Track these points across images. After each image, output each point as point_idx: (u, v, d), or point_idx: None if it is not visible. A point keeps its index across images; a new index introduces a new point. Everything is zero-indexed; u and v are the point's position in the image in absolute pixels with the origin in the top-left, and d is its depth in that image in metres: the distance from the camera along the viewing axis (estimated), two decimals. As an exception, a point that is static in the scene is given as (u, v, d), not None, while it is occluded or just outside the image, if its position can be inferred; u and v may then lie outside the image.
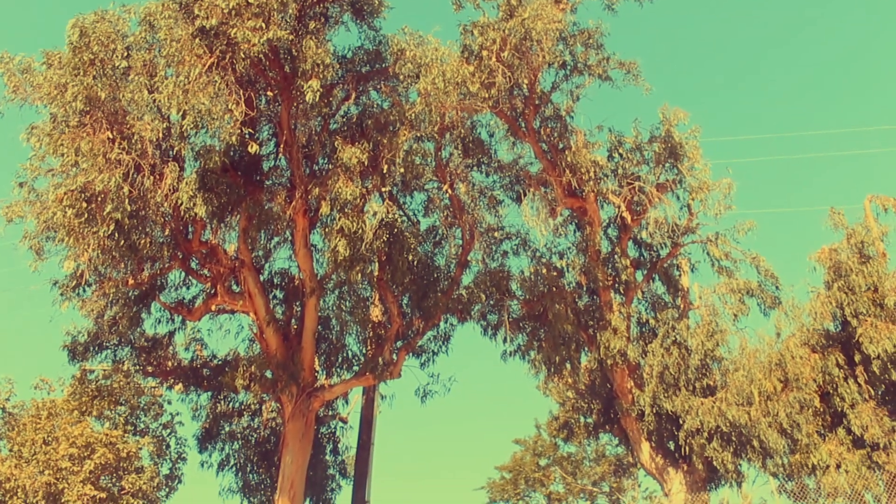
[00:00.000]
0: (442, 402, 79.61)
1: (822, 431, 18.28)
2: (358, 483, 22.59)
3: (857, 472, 17.15)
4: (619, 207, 18.96)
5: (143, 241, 16.06)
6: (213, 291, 20.52)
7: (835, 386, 18.43)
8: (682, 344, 17.89)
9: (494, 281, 19.64)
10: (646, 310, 20.43)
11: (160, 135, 15.66)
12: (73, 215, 14.64)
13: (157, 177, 15.75)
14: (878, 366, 17.88)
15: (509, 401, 65.62)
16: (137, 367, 21.92)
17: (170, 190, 15.59)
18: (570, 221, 21.00)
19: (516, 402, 67.37)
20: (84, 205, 14.68)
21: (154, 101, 15.29)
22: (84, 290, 19.05)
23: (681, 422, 17.05)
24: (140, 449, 21.10)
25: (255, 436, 23.85)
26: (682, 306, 20.25)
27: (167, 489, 22.30)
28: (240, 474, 23.43)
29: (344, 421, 25.55)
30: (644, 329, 19.64)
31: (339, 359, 23.14)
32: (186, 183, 15.61)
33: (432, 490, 66.76)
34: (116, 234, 15.14)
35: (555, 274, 20.10)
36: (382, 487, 62.50)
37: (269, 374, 19.77)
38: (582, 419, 22.06)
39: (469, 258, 20.27)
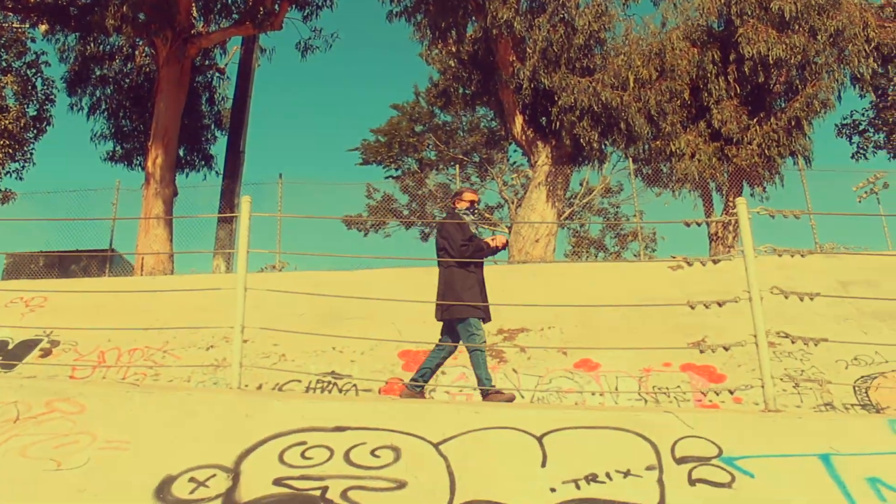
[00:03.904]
0: (322, 59, 77.98)
1: (686, 122, 19.18)
2: (233, 134, 22.59)
3: (707, 161, 18.34)
4: None
5: None
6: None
7: (706, 81, 19.07)
8: (570, 22, 17.80)
9: (384, -67, 18.61)
10: (538, -17, 19.96)
11: None
12: None
13: None
14: (749, 67, 18.51)
15: (390, 66, 65.07)
16: (-6, 1, 20.28)
17: None
18: None
19: (397, 67, 66.96)
20: None
21: None
22: None
23: (556, 98, 17.44)
24: (3, 88, 20.18)
25: (128, 81, 23.14)
26: (575, -16, 19.90)
27: (35, 130, 21.77)
28: (112, 120, 22.98)
29: (221, 72, 24.99)
30: (533, 3, 19.23)
31: (218, 5, 22.02)
32: None
33: (306, 147, 67.71)
34: None
35: (447, -66, 19.10)
36: (257, 140, 62.73)
37: (142, 16, 18.68)
38: (461, 89, 22.22)
39: None
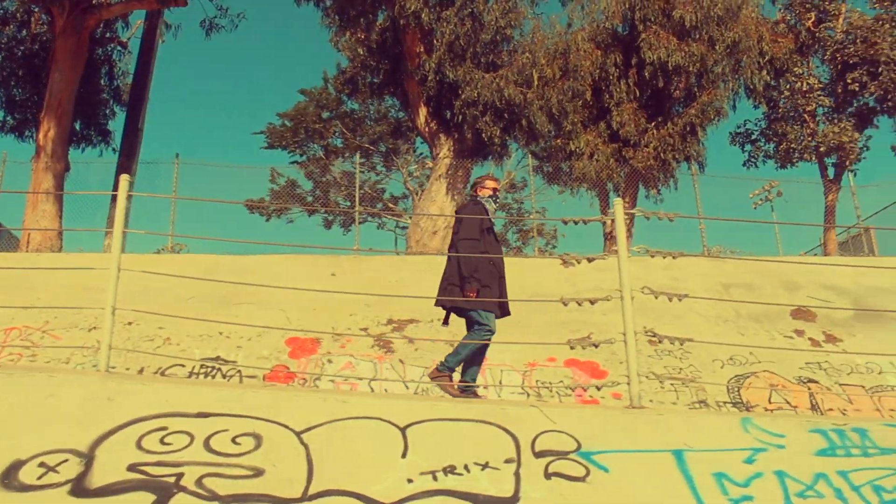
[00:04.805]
0: (231, 40, 76.39)
1: (587, 123, 19.57)
2: (132, 110, 21.97)
3: (605, 162, 18.78)
4: None
5: None
6: None
7: (608, 83, 19.48)
8: (478, 17, 17.87)
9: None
10: (447, -25, 19.96)
11: None
12: None
13: None
14: (649, 71, 18.98)
15: (301, 50, 64.11)
16: None
17: None
18: None
19: (308, 52, 66.06)
20: None
21: None
22: None
23: (460, 92, 17.51)
24: None
25: (23, 49, 22.24)
26: (484, -20, 19.98)
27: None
28: (2, 88, 22.08)
29: (123, 46, 24.27)
30: (443, -5, 19.31)
31: (120, -25, 21.35)
32: None
33: (210, 128, 66.23)
34: None
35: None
36: (158, 118, 61.04)
37: (39, -19, 18.00)
38: (369, 77, 22.07)
39: None
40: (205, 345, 10.88)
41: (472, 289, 6.54)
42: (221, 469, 3.98)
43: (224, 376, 10.19)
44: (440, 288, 6.87)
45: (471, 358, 6.77)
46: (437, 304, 6.88)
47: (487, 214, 6.97)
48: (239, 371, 10.22)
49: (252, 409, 4.50)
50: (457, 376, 6.71)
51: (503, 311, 6.87)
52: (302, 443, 4.23)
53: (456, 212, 7.36)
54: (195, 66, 64.96)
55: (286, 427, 4.35)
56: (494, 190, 7.21)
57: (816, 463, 4.57)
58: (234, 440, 4.22)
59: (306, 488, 3.89)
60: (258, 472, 3.98)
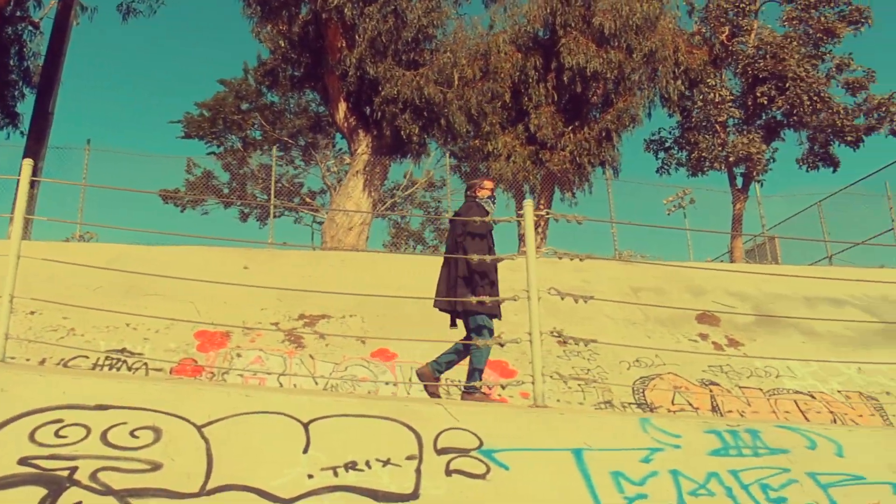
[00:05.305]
0: (147, 25, 74.37)
1: (505, 124, 19.76)
2: (42, 93, 21.22)
3: (522, 163, 19.01)
4: None
5: None
6: None
7: (527, 86, 19.73)
8: (401, 15, 17.84)
9: None
10: (372, -28, 19.87)
11: None
12: None
13: None
14: (568, 76, 19.31)
15: (219, 40, 62.90)
16: None
17: None
18: None
19: (227, 42, 64.85)
20: None
21: None
22: None
23: (380, 89, 17.46)
24: None
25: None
26: (408, -22, 19.96)
27: None
28: None
29: (35, 26, 23.38)
30: (366, -9, 19.22)
31: (32, -47, 20.63)
32: None
33: (124, 114, 64.53)
34: None
35: None
36: (71, 102, 59.11)
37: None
38: (290, 70, 21.80)
39: None
40: (111, 336, 10.59)
41: (486, 293, 6.45)
42: (118, 463, 3.88)
43: (129, 369, 9.95)
44: (444, 288, 6.77)
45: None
46: (442, 304, 6.79)
47: (488, 216, 6.85)
48: (145, 364, 9.98)
49: (153, 402, 4.40)
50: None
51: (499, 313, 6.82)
52: (202, 437, 4.17)
53: (455, 213, 7.19)
54: (111, 51, 63.08)
55: (187, 421, 4.27)
56: (492, 191, 7.13)
57: (710, 462, 4.72)
58: (132, 433, 4.12)
59: (205, 483, 3.83)
60: (156, 466, 3.90)
